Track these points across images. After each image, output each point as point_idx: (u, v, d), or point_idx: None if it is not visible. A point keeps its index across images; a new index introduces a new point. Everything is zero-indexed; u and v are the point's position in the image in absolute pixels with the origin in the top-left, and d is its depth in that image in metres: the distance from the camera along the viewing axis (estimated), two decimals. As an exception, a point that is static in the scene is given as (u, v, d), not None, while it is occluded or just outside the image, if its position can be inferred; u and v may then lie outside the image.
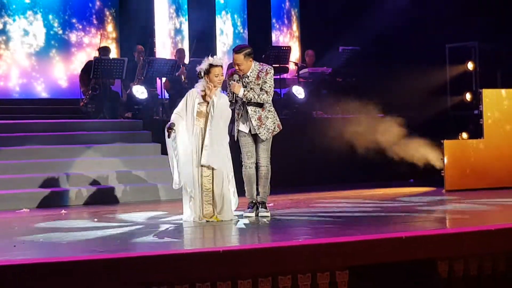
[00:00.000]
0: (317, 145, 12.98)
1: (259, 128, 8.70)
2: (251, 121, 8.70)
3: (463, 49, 14.61)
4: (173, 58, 15.18)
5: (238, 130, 8.81)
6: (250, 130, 8.76)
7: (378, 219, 8.55)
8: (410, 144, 12.80)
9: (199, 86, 8.50)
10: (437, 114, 14.26)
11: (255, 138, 8.81)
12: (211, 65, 8.40)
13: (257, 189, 8.91)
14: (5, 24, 15.63)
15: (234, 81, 8.71)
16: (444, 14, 14.88)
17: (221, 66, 8.48)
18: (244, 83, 8.71)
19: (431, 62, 14.51)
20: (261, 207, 8.86)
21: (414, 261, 6.59)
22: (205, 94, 8.45)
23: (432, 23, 15.10)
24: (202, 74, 8.43)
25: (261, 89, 8.67)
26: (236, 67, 8.74)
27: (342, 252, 6.37)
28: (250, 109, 8.71)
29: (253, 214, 8.81)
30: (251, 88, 8.66)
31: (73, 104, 14.71)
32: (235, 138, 8.85)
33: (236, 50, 8.77)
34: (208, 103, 8.43)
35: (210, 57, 8.48)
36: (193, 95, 8.47)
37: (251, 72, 8.71)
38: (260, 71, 8.73)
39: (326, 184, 13.05)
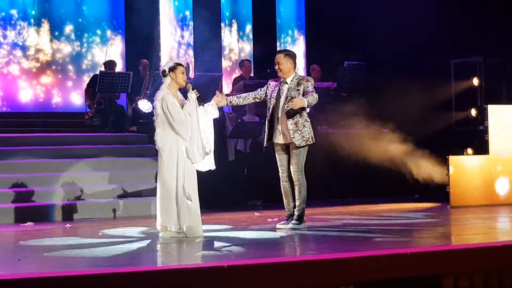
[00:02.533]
0: (321, 160, 12.94)
1: (294, 133, 8.76)
2: (287, 126, 8.76)
3: (468, 64, 14.61)
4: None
5: (274, 142, 8.94)
6: (284, 141, 8.84)
7: (383, 234, 8.52)
8: (415, 160, 12.78)
9: (165, 89, 8.39)
10: (442, 130, 14.26)
11: (288, 150, 8.89)
12: (176, 64, 8.46)
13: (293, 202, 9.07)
14: (13, 36, 15.70)
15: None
16: (449, 30, 14.89)
17: (184, 67, 8.52)
18: (282, 89, 8.84)
19: (436, 77, 14.51)
20: (293, 219, 8.97)
21: (419, 277, 6.57)
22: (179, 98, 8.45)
23: (437, 39, 15.11)
24: (167, 71, 8.43)
25: (307, 93, 8.76)
26: (276, 67, 8.86)
27: (347, 267, 6.34)
28: (289, 114, 8.78)
29: (284, 226, 8.95)
30: (299, 94, 8.75)
31: (78, 117, 14.74)
32: (263, 144, 9.05)
33: (278, 50, 9.10)
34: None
35: (172, 59, 8.65)
36: (173, 99, 8.39)
37: (291, 80, 8.83)
38: (301, 79, 8.87)
39: (330, 199, 13.03)
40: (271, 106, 8.88)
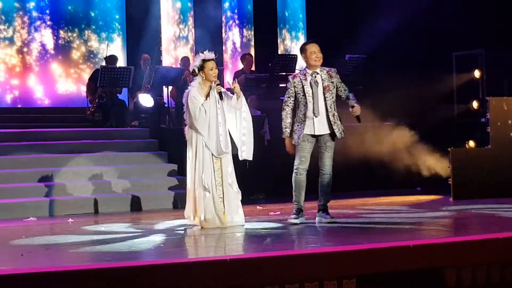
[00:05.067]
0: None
1: (334, 124, 8.67)
2: (326, 117, 8.66)
3: (469, 57, 14.61)
4: (179, 66, 15.21)
5: (306, 134, 8.65)
6: (323, 132, 8.68)
7: (385, 227, 8.52)
8: (417, 152, 12.77)
9: (195, 85, 8.47)
10: (444, 122, 14.25)
11: (314, 144, 8.73)
12: (204, 60, 8.45)
13: (321, 195, 8.89)
14: (12, 31, 15.71)
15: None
16: (450, 22, 14.87)
17: (214, 60, 8.49)
18: (315, 80, 8.67)
19: (438, 70, 14.51)
20: (325, 213, 8.85)
21: (422, 269, 6.57)
22: (208, 93, 8.48)
23: (439, 31, 15.09)
24: (197, 71, 8.46)
25: (345, 89, 8.87)
26: (315, 56, 8.78)
27: (349, 260, 6.34)
28: (329, 104, 8.68)
29: (298, 221, 8.77)
30: (334, 87, 8.75)
31: (80, 112, 14.75)
32: (296, 142, 8.67)
33: (312, 40, 9.05)
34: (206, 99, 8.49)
35: (201, 53, 8.53)
36: (197, 94, 8.43)
37: (321, 70, 8.78)
38: (329, 71, 8.84)
39: (332, 193, 12.99)
40: (307, 100, 8.63)
